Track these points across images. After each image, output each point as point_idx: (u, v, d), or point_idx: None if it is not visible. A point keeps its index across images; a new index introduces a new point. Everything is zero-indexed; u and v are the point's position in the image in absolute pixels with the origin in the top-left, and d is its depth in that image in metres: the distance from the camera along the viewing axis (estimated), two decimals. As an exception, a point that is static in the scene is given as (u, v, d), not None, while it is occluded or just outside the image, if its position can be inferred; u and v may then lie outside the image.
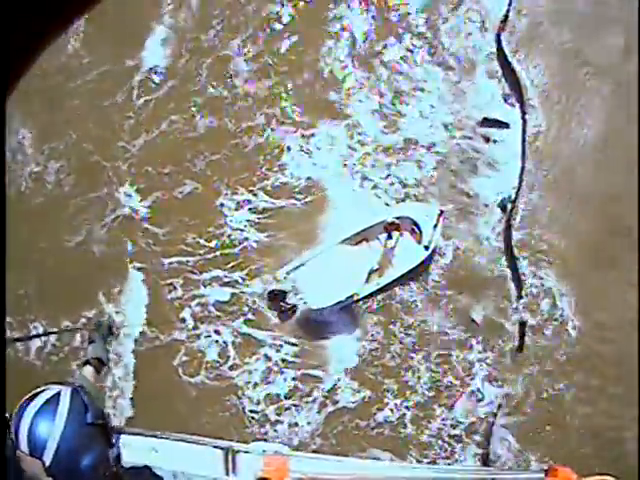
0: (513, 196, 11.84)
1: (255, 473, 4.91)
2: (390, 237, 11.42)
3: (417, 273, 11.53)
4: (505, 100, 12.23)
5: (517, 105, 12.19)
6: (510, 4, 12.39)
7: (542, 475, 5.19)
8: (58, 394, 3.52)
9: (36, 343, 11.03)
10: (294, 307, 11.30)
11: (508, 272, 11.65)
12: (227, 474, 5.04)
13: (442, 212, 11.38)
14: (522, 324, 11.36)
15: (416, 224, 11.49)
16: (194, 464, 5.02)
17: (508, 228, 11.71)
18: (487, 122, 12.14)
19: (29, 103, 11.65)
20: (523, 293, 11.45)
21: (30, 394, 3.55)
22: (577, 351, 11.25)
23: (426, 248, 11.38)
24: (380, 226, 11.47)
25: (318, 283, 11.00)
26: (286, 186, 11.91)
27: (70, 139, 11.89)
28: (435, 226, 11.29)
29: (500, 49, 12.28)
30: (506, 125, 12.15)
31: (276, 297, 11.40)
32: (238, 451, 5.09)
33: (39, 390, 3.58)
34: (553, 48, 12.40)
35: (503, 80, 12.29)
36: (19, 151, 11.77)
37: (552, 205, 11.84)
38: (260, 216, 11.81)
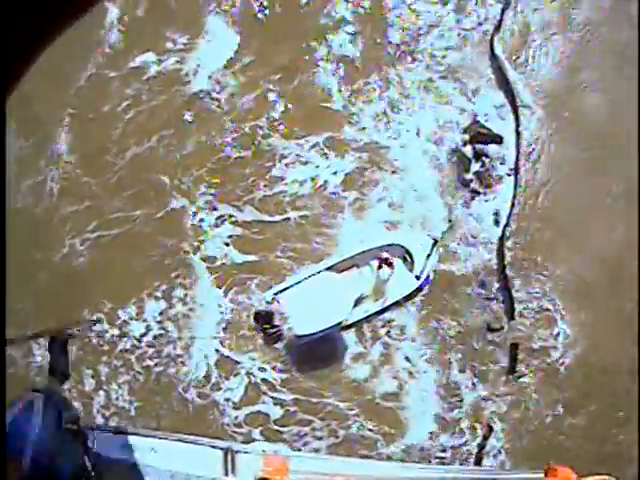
0: (507, 212, 12.02)
1: (255, 473, 5.10)
2: (381, 268, 11.43)
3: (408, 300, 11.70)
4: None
5: (511, 117, 12.36)
6: (504, 11, 12.63)
7: (542, 475, 5.40)
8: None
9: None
10: (280, 329, 11.32)
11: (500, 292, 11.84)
12: (227, 474, 5.21)
13: (436, 242, 11.42)
14: (514, 346, 11.55)
15: (409, 253, 11.62)
16: (193, 464, 5.20)
17: (501, 246, 11.88)
18: (480, 136, 12.26)
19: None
20: (515, 314, 11.63)
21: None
22: (572, 374, 11.47)
23: (417, 278, 11.49)
24: (373, 252, 11.56)
25: (305, 309, 10.99)
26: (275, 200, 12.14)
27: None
28: (429, 256, 11.37)
29: (493, 55, 12.47)
30: (499, 139, 12.30)
31: (262, 318, 11.49)
32: (238, 451, 5.29)
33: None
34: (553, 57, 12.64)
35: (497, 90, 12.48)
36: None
37: (548, 223, 12.04)
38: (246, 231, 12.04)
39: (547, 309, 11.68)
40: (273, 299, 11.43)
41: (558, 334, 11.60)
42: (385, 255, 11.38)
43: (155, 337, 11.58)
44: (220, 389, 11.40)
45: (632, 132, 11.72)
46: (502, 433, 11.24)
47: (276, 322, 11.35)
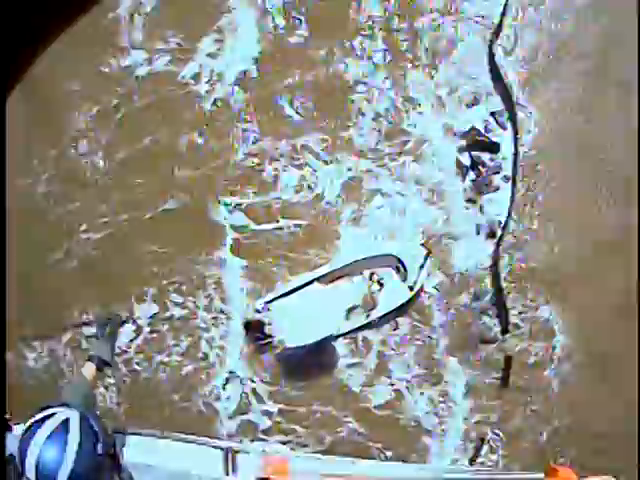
0: (502, 222, 12.07)
1: (255, 473, 5.15)
2: (371, 279, 11.59)
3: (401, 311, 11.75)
4: (494, 118, 12.40)
5: (508, 124, 12.37)
6: (504, 12, 12.56)
7: (542, 475, 5.50)
8: (67, 421, 3.66)
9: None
10: (271, 339, 11.38)
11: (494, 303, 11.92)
12: (227, 474, 5.27)
13: (430, 252, 11.59)
14: (507, 358, 11.66)
15: (401, 262, 11.66)
16: (194, 464, 5.27)
17: (496, 257, 11.95)
18: (477, 144, 12.29)
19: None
20: (509, 326, 11.71)
21: (37, 418, 3.71)
22: (569, 388, 11.62)
23: (410, 288, 11.55)
24: (365, 262, 11.63)
25: (296, 320, 11.05)
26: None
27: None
28: (422, 266, 11.49)
29: (492, 61, 12.44)
30: (496, 147, 12.30)
31: (252, 328, 11.53)
32: (238, 451, 5.37)
33: (47, 414, 3.72)
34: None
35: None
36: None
37: (545, 233, 12.09)
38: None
39: (543, 321, 11.74)
40: (263, 308, 11.41)
41: (554, 347, 11.67)
42: (375, 274, 11.57)
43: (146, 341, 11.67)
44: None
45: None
46: (495, 444, 11.37)
47: (266, 331, 11.35)
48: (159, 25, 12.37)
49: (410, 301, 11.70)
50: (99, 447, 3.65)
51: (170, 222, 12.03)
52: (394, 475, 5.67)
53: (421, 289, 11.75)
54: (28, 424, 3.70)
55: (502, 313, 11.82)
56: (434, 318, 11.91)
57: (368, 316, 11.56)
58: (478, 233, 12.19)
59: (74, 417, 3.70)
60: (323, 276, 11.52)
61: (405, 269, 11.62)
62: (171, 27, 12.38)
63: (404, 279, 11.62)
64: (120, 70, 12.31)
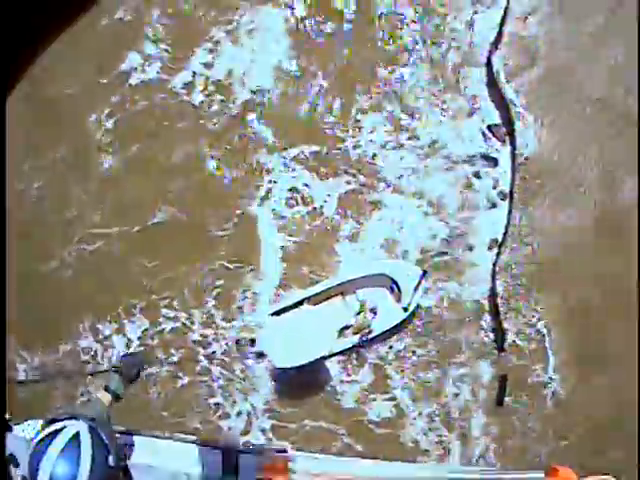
0: (499, 238, 12.12)
1: (255, 473, 5.23)
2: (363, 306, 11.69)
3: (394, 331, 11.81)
4: (491, 131, 12.46)
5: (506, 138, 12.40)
6: (502, 24, 12.66)
7: (542, 475, 5.57)
8: (78, 435, 3.74)
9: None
10: (262, 356, 11.50)
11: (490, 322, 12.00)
12: (227, 474, 5.34)
13: (425, 273, 11.58)
14: (503, 378, 11.70)
15: (396, 283, 11.68)
16: (193, 464, 5.35)
17: (493, 275, 12.00)
18: (473, 158, 12.39)
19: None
20: (506, 345, 11.76)
21: (47, 432, 3.77)
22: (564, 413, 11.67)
23: (405, 309, 11.57)
24: (359, 281, 11.69)
25: (287, 340, 11.01)
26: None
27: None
28: (416, 287, 11.49)
29: (490, 73, 12.51)
30: (494, 161, 12.38)
31: (243, 344, 11.67)
32: (238, 451, 5.44)
33: (57, 428, 3.80)
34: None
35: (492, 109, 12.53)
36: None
37: (544, 249, 12.14)
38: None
39: (539, 340, 11.80)
40: (255, 325, 11.60)
41: (552, 367, 11.72)
42: (368, 302, 11.67)
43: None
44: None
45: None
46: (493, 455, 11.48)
47: (257, 349, 11.53)
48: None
49: (404, 322, 11.74)
50: (110, 459, 3.75)
51: (163, 234, 12.19)
52: (394, 475, 5.75)
53: (415, 310, 11.76)
54: (38, 439, 3.76)
55: (498, 331, 11.87)
56: (430, 334, 11.98)
57: (360, 336, 11.60)
58: (471, 250, 12.26)
59: (84, 430, 3.78)
60: (313, 296, 11.57)
61: (399, 289, 11.65)
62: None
63: (398, 300, 11.67)
64: (114, 77, 12.51)
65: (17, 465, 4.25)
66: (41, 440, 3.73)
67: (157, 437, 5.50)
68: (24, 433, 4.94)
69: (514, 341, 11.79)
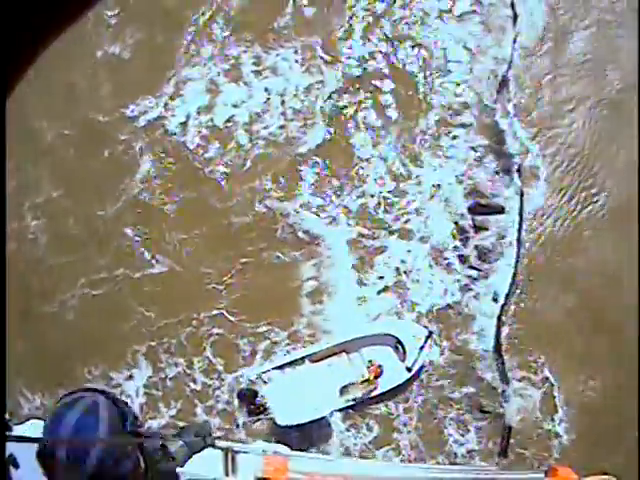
0: (506, 289, 12.21)
1: (255, 473, 5.31)
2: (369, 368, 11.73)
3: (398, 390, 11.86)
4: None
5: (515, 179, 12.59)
6: (510, 67, 12.99)
7: (542, 475, 5.63)
8: (96, 403, 3.94)
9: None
10: (265, 409, 11.46)
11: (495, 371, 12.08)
12: (227, 474, 5.42)
13: (431, 334, 11.71)
14: (507, 428, 11.75)
15: (400, 343, 11.78)
16: (193, 464, 5.40)
17: (498, 323, 12.11)
18: (480, 207, 12.51)
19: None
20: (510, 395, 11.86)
21: (65, 401, 3.94)
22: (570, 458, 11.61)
23: (409, 370, 11.67)
24: (363, 340, 11.77)
25: (289, 398, 11.20)
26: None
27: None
28: (422, 348, 11.58)
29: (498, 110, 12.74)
30: (500, 209, 12.52)
31: (246, 397, 11.66)
32: (238, 451, 5.54)
33: (75, 397, 3.96)
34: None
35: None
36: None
37: (548, 299, 12.31)
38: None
39: (545, 390, 11.94)
40: (258, 378, 11.61)
41: (557, 419, 11.85)
42: (378, 363, 11.67)
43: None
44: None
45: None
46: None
47: (259, 403, 11.50)
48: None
49: (408, 381, 11.84)
50: (127, 425, 3.97)
51: (159, 283, 12.33)
52: (394, 475, 5.78)
53: (419, 370, 11.86)
54: (57, 407, 3.90)
55: (503, 382, 11.96)
56: (436, 387, 12.06)
57: (363, 395, 11.63)
58: (477, 298, 12.37)
59: (101, 399, 3.96)
60: (315, 353, 11.71)
61: (404, 349, 11.76)
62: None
63: (402, 359, 11.77)
64: (116, 118, 12.82)
65: (17, 466, 4.35)
66: (59, 409, 3.87)
67: (156, 437, 5.56)
68: (25, 433, 5.07)
69: (518, 391, 11.95)
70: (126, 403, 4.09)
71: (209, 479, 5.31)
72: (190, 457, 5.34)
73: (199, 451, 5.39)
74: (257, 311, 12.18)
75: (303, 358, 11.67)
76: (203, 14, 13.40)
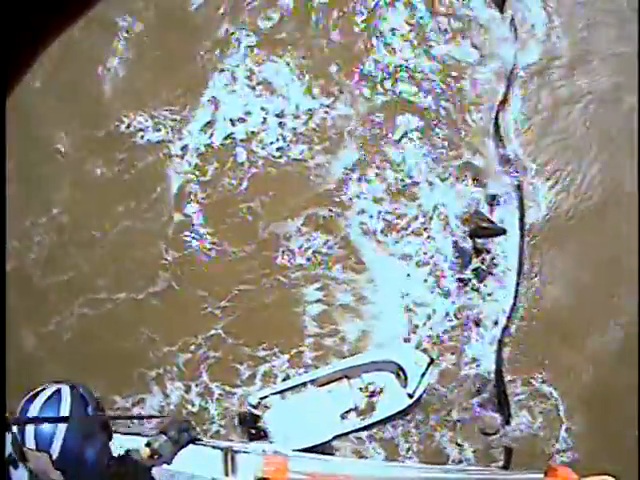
0: (507, 312, 12.28)
1: (255, 473, 5.37)
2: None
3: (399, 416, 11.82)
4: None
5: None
6: (509, 84, 13.06)
7: (542, 475, 5.70)
8: (59, 391, 4.22)
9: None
10: (266, 434, 11.38)
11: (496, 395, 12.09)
12: (227, 474, 5.50)
13: (432, 361, 11.75)
14: (508, 451, 11.77)
15: (402, 369, 11.78)
16: (193, 464, 5.48)
17: (499, 346, 12.17)
18: (480, 230, 12.49)
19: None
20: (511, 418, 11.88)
21: (31, 394, 4.24)
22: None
23: (410, 396, 11.66)
24: (364, 366, 11.79)
25: (289, 423, 11.22)
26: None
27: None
28: (423, 374, 11.61)
29: (498, 132, 12.80)
30: (502, 231, 12.54)
31: (247, 421, 11.60)
32: (238, 451, 5.62)
33: (39, 390, 4.26)
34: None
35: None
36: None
37: (551, 324, 12.32)
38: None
39: (548, 412, 11.93)
40: (259, 403, 11.45)
41: (560, 439, 11.78)
42: (372, 387, 11.75)
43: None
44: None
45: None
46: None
47: (260, 427, 11.39)
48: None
49: (409, 408, 11.83)
50: (89, 409, 4.25)
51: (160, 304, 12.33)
52: (395, 475, 5.88)
53: (421, 397, 11.87)
54: (22, 403, 4.19)
55: (504, 405, 12.00)
56: (435, 410, 12.07)
57: (363, 420, 11.64)
58: (478, 325, 12.39)
59: (64, 387, 4.26)
60: (316, 379, 11.69)
61: (405, 375, 11.77)
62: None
63: (404, 385, 11.78)
64: (117, 135, 12.83)
65: (16, 467, 4.46)
66: (25, 401, 4.18)
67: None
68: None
69: (520, 413, 11.96)
70: (89, 391, 4.38)
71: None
72: (177, 453, 5.44)
73: (184, 446, 5.48)
74: (257, 334, 12.16)
75: (304, 383, 11.63)
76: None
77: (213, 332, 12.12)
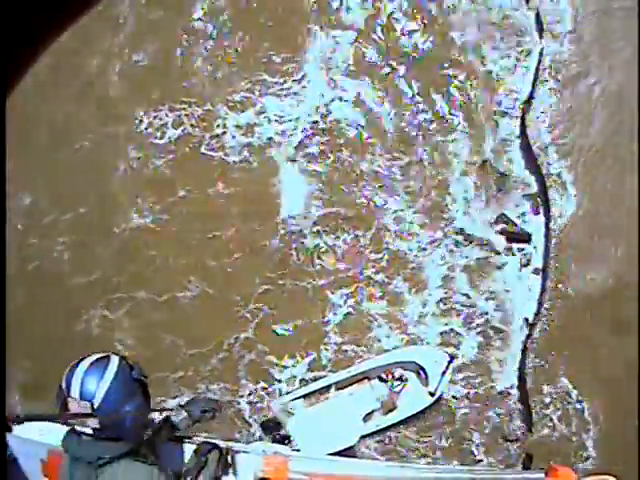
0: (531, 318, 12.30)
1: (255, 473, 5.51)
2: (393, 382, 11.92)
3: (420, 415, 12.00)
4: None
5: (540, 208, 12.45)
6: (535, 83, 12.77)
7: (542, 475, 5.72)
8: (109, 356, 4.68)
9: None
10: (290, 440, 11.43)
11: (518, 404, 12.19)
12: (227, 474, 5.58)
13: (452, 359, 11.90)
14: (529, 457, 11.86)
15: (422, 368, 11.87)
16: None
17: (523, 353, 12.24)
18: (507, 234, 12.45)
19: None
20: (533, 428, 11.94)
21: (78, 360, 4.62)
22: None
23: (432, 394, 11.80)
24: (385, 367, 11.91)
25: (313, 426, 11.35)
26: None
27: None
28: (444, 373, 11.76)
29: (524, 136, 12.59)
30: (527, 237, 12.51)
31: (270, 427, 11.72)
32: (238, 451, 5.69)
33: (88, 355, 4.68)
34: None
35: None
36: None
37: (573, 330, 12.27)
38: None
39: (571, 417, 11.95)
40: (281, 408, 11.54)
41: (586, 446, 11.82)
42: (399, 372, 11.86)
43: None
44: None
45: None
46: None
47: (284, 433, 11.50)
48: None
49: (430, 406, 11.97)
50: (134, 373, 4.69)
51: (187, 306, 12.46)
52: (395, 476, 5.91)
53: (442, 395, 12.02)
54: (72, 363, 4.60)
55: (526, 412, 12.09)
56: (458, 415, 12.21)
57: (387, 420, 11.75)
58: (500, 332, 12.46)
59: (115, 356, 4.73)
60: (339, 381, 11.80)
61: (426, 374, 11.86)
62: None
63: (425, 384, 11.89)
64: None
65: (17, 466, 4.66)
66: (74, 363, 4.58)
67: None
68: (25, 434, 5.29)
69: (543, 419, 11.99)
70: (139, 364, 4.84)
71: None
72: (192, 426, 5.80)
73: (199, 421, 5.82)
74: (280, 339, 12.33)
75: (326, 387, 11.74)
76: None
77: (243, 335, 12.29)
